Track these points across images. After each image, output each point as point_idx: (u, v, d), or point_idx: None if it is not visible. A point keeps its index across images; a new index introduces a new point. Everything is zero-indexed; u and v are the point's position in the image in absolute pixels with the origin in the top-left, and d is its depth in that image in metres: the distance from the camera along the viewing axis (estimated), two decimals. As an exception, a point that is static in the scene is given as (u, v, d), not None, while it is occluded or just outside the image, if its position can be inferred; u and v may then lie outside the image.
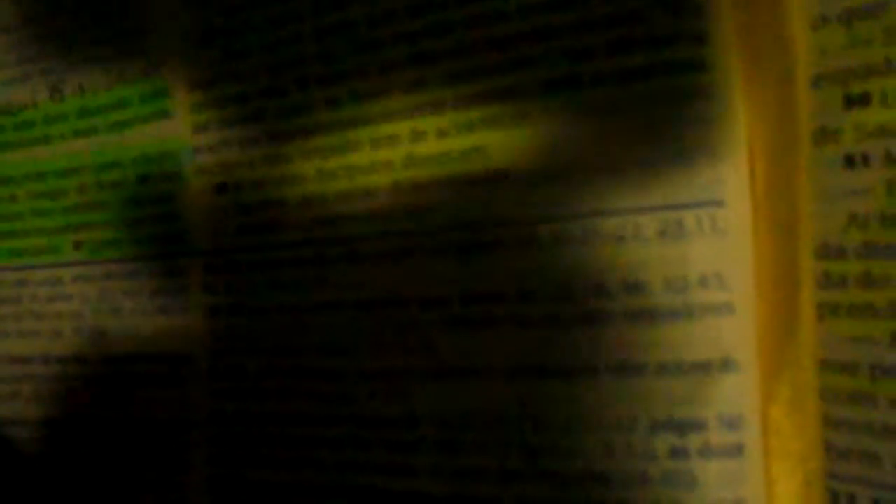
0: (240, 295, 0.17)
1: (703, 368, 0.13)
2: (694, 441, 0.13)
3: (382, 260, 0.15)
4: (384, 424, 0.15)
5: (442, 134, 0.15)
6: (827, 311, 0.12)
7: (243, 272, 0.17)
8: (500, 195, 0.14)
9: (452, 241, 0.15)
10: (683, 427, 0.13)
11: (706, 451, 0.13)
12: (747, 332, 0.13)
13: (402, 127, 0.15)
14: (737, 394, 0.13)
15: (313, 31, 0.16)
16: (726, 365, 0.13)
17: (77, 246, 0.19)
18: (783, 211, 0.13)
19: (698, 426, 0.13)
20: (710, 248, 0.13)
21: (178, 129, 0.17)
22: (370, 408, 0.15)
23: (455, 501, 0.14)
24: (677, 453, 0.13)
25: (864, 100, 0.12)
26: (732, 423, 0.13)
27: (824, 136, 0.12)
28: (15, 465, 0.19)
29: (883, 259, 0.12)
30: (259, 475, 0.16)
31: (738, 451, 0.13)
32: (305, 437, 0.16)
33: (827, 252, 0.12)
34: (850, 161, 0.12)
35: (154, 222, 0.18)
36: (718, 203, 0.13)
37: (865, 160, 0.12)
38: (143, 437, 0.18)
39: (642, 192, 0.13)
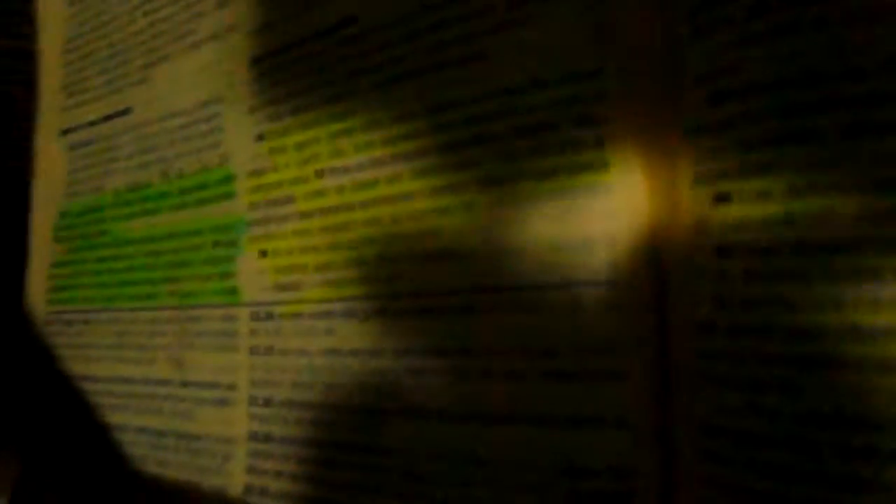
0: (276, 339, 0.21)
1: (598, 424, 0.15)
2: (588, 486, 0.15)
3: (368, 316, 0.19)
4: (357, 450, 0.19)
5: (412, 218, 0.18)
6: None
7: (277, 320, 0.21)
8: (448, 269, 0.17)
9: (415, 305, 0.18)
10: (581, 474, 0.15)
11: (597, 497, 0.15)
12: (637, 395, 0.15)
13: (385, 210, 0.19)
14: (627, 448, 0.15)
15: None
16: (617, 424, 0.15)
17: (171, 294, 0.24)
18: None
19: (592, 474, 0.15)
20: (604, 323, 0.15)
21: (238, 208, 0.22)
22: (357, 435, 0.19)
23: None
24: (573, 495, 0.15)
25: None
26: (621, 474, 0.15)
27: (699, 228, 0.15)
28: (115, 463, 0.25)
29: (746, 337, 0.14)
30: (286, 487, 0.20)
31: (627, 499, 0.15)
32: (327, 459, 0.20)
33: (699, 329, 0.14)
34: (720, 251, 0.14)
35: (220, 278, 0.23)
36: (612, 284, 0.15)
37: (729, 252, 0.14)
38: (195, 447, 0.22)
39: (554, 271, 0.16)
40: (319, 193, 0.20)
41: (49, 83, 0.30)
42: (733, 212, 0.14)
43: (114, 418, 0.25)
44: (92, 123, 0.28)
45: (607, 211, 0.15)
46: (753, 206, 0.14)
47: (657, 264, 0.15)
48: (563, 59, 0.16)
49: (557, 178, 0.16)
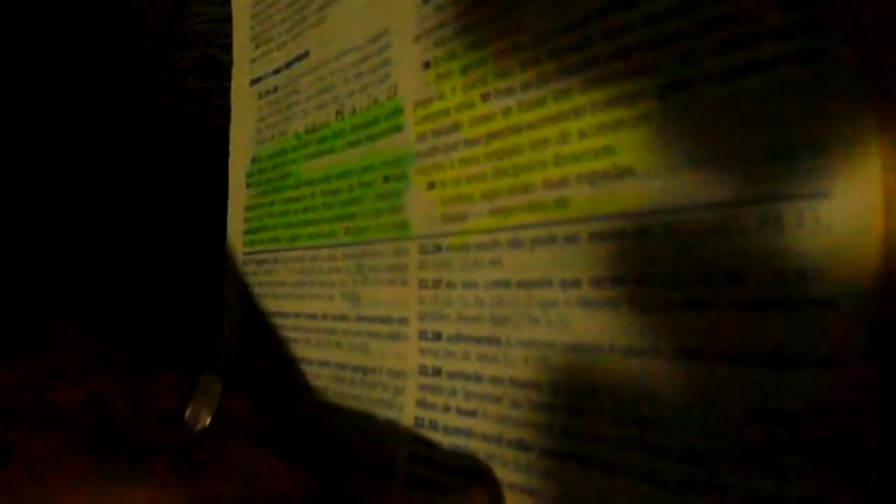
0: (444, 271, 0.21)
1: (800, 362, 0.13)
2: (785, 434, 0.13)
3: (535, 245, 0.18)
4: (526, 386, 0.18)
5: (582, 135, 0.17)
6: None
7: (445, 252, 0.21)
8: (623, 189, 0.16)
9: (583, 231, 0.16)
10: (777, 418, 0.13)
11: (797, 445, 0.13)
12: (850, 328, 0.12)
13: (552, 130, 0.17)
14: (836, 389, 0.13)
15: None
16: (825, 360, 0.13)
17: (346, 231, 0.25)
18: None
19: (792, 419, 0.13)
20: (810, 244, 0.13)
21: (407, 140, 0.22)
22: (523, 370, 0.18)
23: (573, 458, 0.16)
24: (770, 444, 0.13)
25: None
26: (828, 419, 0.13)
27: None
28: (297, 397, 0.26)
29: None
30: (454, 421, 0.20)
31: (834, 451, 0.12)
32: (494, 394, 0.19)
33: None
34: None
35: (391, 213, 0.23)
36: (823, 195, 0.13)
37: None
38: (370, 380, 0.23)
39: (747, 185, 0.14)
40: (486, 118, 0.19)
41: (240, 37, 0.31)
42: None
43: (300, 352, 0.26)
44: (276, 71, 0.29)
45: (817, 112, 0.13)
46: None
47: (884, 177, 0.12)
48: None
49: (755, 75, 0.14)
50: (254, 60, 0.30)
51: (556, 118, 0.17)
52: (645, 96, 0.15)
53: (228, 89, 0.33)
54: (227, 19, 0.33)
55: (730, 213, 0.14)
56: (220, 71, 0.36)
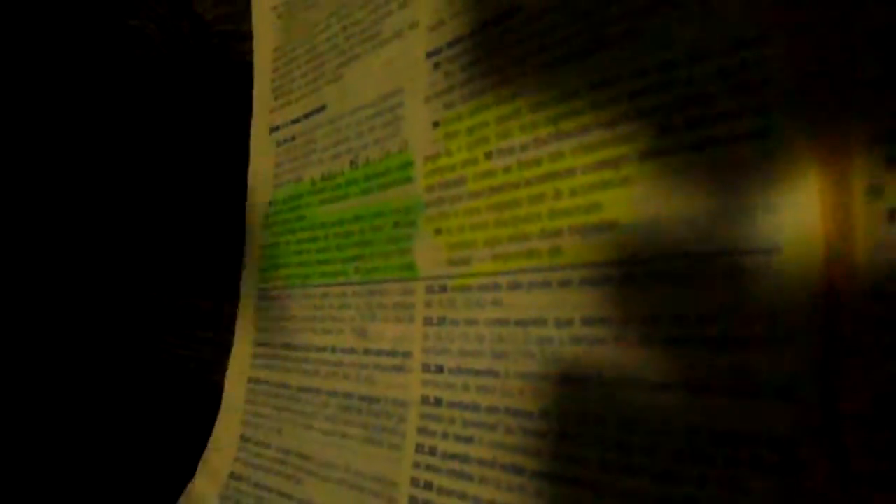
0: (448, 310, 0.23)
1: (760, 392, 0.15)
2: (749, 456, 0.15)
3: (532, 287, 0.20)
4: (519, 414, 0.20)
5: (574, 193, 0.19)
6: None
7: (449, 292, 0.23)
8: (610, 241, 0.18)
9: (575, 276, 0.19)
10: (741, 442, 0.15)
11: (758, 467, 0.15)
12: (802, 363, 0.15)
13: (548, 187, 0.20)
14: (790, 417, 0.15)
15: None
16: (781, 391, 0.15)
17: (357, 271, 0.27)
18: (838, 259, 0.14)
19: (754, 442, 0.15)
20: (766, 290, 0.15)
21: (416, 190, 0.24)
22: (518, 400, 0.20)
23: (562, 480, 0.18)
24: (735, 465, 0.15)
25: None
26: (785, 444, 0.15)
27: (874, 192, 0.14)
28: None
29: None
30: (452, 448, 0.22)
31: (789, 469, 0.15)
32: (489, 422, 0.21)
33: (868, 296, 0.14)
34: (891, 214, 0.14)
35: (399, 255, 0.25)
36: (777, 249, 0.15)
37: None
38: (375, 409, 0.25)
39: (713, 239, 0.16)
40: (488, 174, 0.22)
41: (261, 88, 0.34)
42: (910, 173, 0.13)
43: (310, 382, 0.28)
44: (295, 121, 0.31)
45: (769, 178, 0.15)
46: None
47: (823, 230, 0.15)
48: (723, 29, 0.16)
49: (718, 147, 0.16)
50: (273, 111, 0.33)
51: (551, 177, 0.20)
52: (628, 161, 0.18)
53: (242, 131, 0.35)
54: (245, 68, 0.36)
55: (699, 263, 0.16)
56: (234, 115, 0.39)
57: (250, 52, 0.35)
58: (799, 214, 0.15)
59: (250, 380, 0.31)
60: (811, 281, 0.15)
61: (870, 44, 0.14)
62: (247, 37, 0.36)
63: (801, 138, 0.15)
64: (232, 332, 0.33)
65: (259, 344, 0.31)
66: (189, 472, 0.33)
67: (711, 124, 0.16)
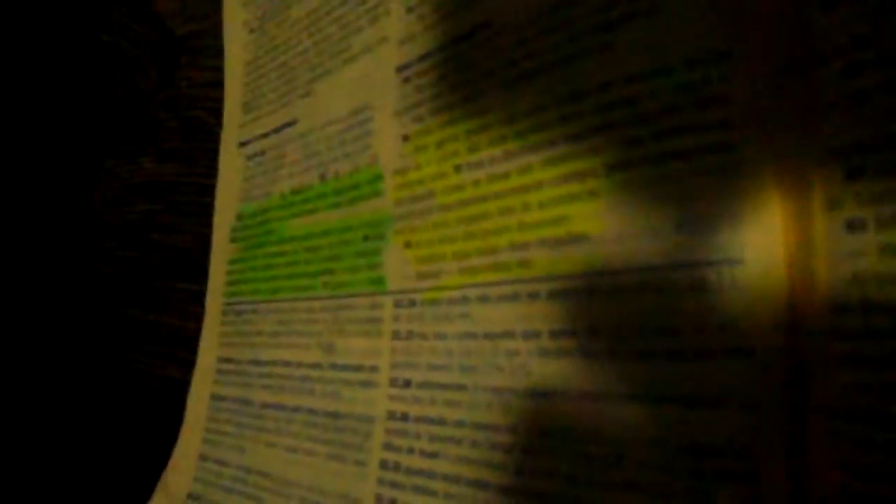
0: (416, 324, 0.23)
1: (723, 403, 0.15)
2: (712, 466, 0.15)
3: (501, 300, 0.20)
4: (486, 428, 0.19)
5: (542, 206, 0.19)
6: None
7: (418, 306, 0.23)
8: (577, 253, 0.18)
9: (543, 289, 0.19)
10: (704, 453, 0.15)
11: (722, 476, 0.15)
12: (765, 375, 0.15)
13: (516, 200, 0.20)
14: (752, 428, 0.15)
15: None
16: (743, 402, 0.15)
17: (325, 285, 0.27)
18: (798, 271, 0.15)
19: (717, 453, 0.15)
20: (730, 302, 0.15)
21: (385, 204, 0.24)
22: (485, 414, 0.20)
23: (527, 495, 0.18)
24: (699, 475, 0.15)
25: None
26: (746, 455, 0.15)
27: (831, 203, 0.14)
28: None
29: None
30: (417, 463, 0.22)
31: (752, 479, 0.15)
32: (455, 437, 0.21)
33: (832, 308, 0.14)
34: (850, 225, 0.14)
35: (368, 269, 0.25)
36: (739, 261, 0.15)
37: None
38: (340, 425, 0.24)
39: (677, 251, 0.16)
40: (457, 187, 0.22)
41: (231, 102, 0.34)
42: (867, 186, 0.14)
43: (274, 398, 0.28)
44: (264, 135, 0.31)
45: (732, 191, 0.15)
46: (890, 180, 0.13)
47: (784, 242, 0.15)
48: (688, 44, 0.16)
49: (682, 160, 0.16)
50: (242, 125, 0.33)
51: (519, 190, 0.20)
52: (594, 174, 0.18)
53: (212, 150, 0.35)
54: (215, 84, 0.36)
55: (663, 275, 0.16)
56: (206, 132, 0.39)
57: (221, 67, 0.35)
58: (761, 227, 0.15)
59: (213, 396, 0.31)
60: (774, 292, 0.15)
61: (829, 60, 0.14)
62: (218, 52, 0.35)
63: (763, 152, 0.15)
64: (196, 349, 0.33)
65: (223, 359, 0.31)
66: (149, 494, 0.32)
67: (676, 138, 0.16)
